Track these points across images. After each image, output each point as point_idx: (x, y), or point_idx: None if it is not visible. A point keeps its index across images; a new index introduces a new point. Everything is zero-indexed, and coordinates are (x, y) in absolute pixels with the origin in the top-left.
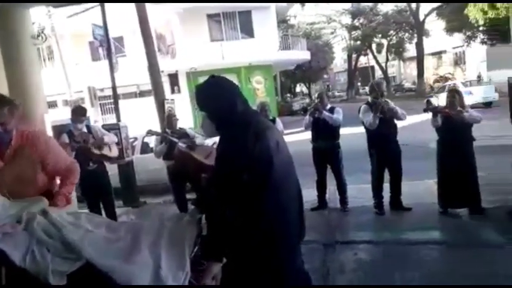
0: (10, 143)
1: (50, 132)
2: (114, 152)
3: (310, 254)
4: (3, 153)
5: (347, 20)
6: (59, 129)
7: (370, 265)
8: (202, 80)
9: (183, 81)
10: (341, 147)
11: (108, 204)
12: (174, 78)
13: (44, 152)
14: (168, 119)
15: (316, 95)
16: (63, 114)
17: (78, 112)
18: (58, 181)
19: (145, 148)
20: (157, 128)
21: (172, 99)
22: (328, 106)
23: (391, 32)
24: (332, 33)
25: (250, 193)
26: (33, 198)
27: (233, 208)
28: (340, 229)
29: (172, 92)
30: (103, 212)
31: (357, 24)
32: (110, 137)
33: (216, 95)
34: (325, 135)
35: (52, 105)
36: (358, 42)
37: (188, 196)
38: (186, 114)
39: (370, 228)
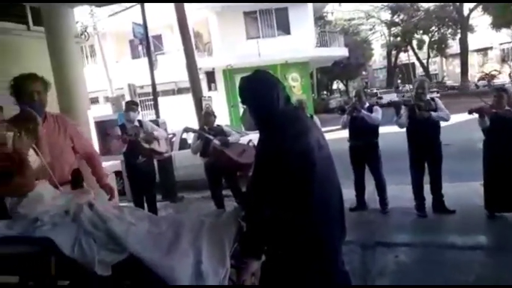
0: (45, 119)
1: (92, 127)
2: (163, 147)
3: (349, 255)
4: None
5: (386, 15)
6: (108, 124)
7: (411, 268)
8: (238, 77)
9: (219, 79)
10: (380, 147)
11: (151, 199)
12: (211, 75)
13: (73, 130)
14: (205, 116)
15: (354, 93)
16: (105, 110)
17: (131, 103)
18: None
19: (183, 144)
20: (195, 124)
21: (209, 97)
22: (367, 104)
23: (433, 27)
24: (371, 29)
25: (292, 191)
26: (81, 190)
27: (274, 206)
28: (380, 230)
29: (209, 89)
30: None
31: (396, 20)
32: (160, 132)
33: (260, 89)
34: (363, 134)
35: (94, 101)
36: (398, 39)
37: (224, 192)
38: (222, 112)
39: (411, 231)
